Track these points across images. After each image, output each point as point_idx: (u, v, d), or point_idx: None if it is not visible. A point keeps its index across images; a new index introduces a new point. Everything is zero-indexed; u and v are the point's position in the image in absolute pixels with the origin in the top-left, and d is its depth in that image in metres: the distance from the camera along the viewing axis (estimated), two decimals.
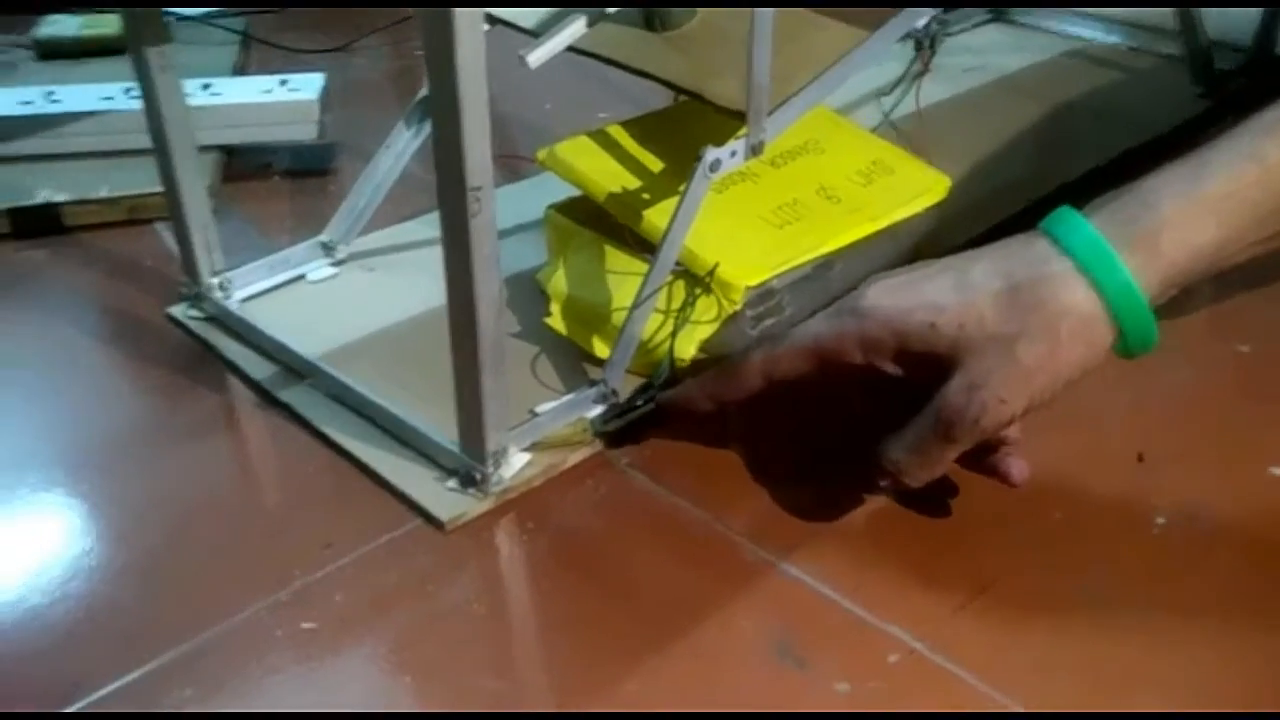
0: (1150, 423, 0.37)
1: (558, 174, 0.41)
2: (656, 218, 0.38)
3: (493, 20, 0.45)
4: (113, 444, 0.37)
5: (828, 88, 0.38)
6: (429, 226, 0.48)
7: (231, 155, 0.55)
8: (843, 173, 0.43)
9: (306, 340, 0.40)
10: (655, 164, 0.40)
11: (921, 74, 0.42)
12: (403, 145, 0.46)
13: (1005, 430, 0.33)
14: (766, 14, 0.34)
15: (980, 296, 0.33)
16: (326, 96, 0.55)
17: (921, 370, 0.33)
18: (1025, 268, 0.33)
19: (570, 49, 0.40)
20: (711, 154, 0.35)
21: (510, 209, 0.45)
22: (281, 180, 0.55)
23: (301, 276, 0.44)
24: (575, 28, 0.39)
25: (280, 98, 0.53)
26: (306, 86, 0.55)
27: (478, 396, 0.32)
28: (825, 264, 0.41)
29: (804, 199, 0.41)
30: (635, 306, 0.36)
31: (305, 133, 0.53)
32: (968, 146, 0.53)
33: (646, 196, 0.39)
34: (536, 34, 0.40)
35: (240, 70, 0.67)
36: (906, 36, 0.41)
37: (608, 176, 0.40)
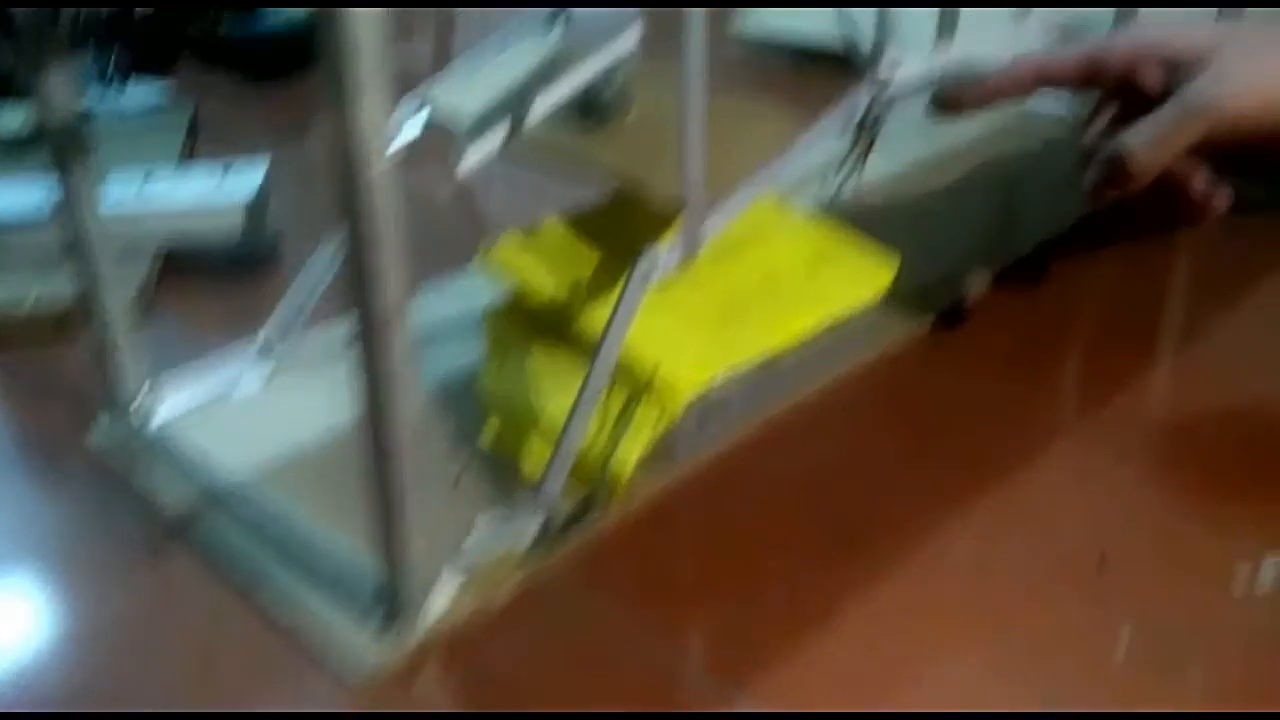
0: (1111, 523, 0.36)
1: (496, 274, 0.39)
2: (594, 320, 0.37)
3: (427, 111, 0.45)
4: None
5: (769, 181, 0.37)
6: None
7: (169, 251, 0.54)
8: (787, 264, 0.42)
9: (230, 461, 0.38)
10: (594, 261, 0.39)
11: (863, 157, 0.41)
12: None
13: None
14: (698, 105, 0.33)
15: (1244, 24, 0.42)
16: (269, 185, 0.54)
17: (1171, 83, 0.36)
18: None
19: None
20: (648, 257, 0.34)
21: (459, 302, 0.43)
22: (222, 276, 0.53)
23: (234, 385, 0.43)
24: (506, 131, 0.38)
25: (210, 195, 0.52)
26: (247, 176, 0.53)
27: (398, 528, 0.30)
28: (773, 359, 0.40)
29: (747, 294, 0.40)
30: (572, 415, 0.35)
31: (235, 230, 0.52)
32: (913, 225, 0.53)
33: (585, 296, 0.38)
34: (473, 135, 0.40)
35: (189, 155, 0.66)
36: (846, 127, 0.40)
37: (545, 275, 0.39)
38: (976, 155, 0.61)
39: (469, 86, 0.44)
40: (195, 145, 0.68)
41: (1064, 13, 0.47)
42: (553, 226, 0.41)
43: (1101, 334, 0.47)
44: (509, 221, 0.42)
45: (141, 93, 0.73)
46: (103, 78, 0.74)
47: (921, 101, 0.43)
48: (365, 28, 0.24)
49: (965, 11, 0.52)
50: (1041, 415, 0.41)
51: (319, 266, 0.44)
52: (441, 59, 0.89)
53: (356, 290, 0.27)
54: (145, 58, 0.77)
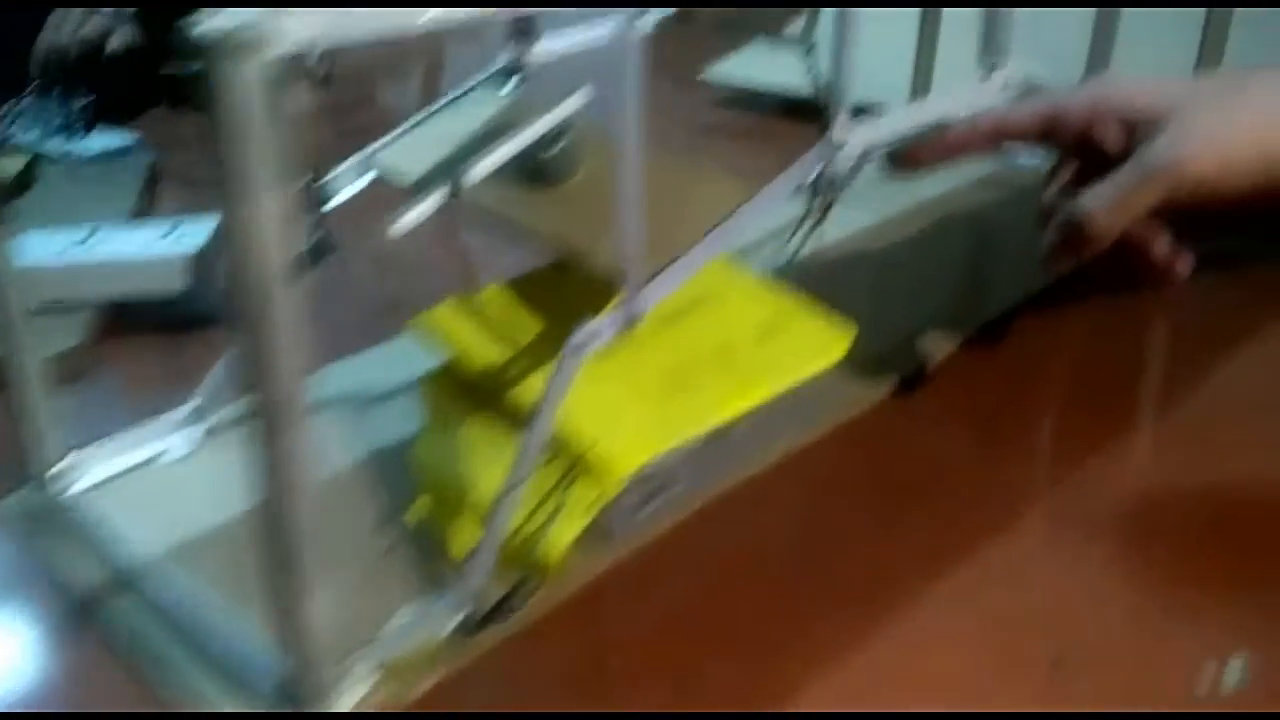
0: (1073, 608, 0.34)
1: (432, 342, 0.38)
2: (529, 393, 0.35)
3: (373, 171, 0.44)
4: None
5: (713, 249, 0.36)
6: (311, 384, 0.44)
7: (111, 308, 0.52)
8: (739, 330, 0.40)
9: (144, 536, 0.36)
10: (534, 330, 0.38)
11: (820, 219, 0.40)
12: None
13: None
14: (634, 170, 0.31)
15: (1209, 77, 0.38)
16: (219, 241, 0.53)
17: (1133, 141, 0.35)
18: (1263, 69, 0.37)
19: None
20: (582, 332, 0.33)
21: (410, 363, 0.41)
22: (169, 333, 0.52)
23: (161, 452, 0.41)
24: (444, 194, 0.37)
25: (152, 249, 0.50)
26: (194, 233, 0.52)
27: (299, 620, 0.28)
28: (723, 429, 0.38)
29: (695, 362, 0.39)
30: (502, 495, 0.33)
31: (173, 287, 0.50)
32: (875, 286, 0.51)
33: (521, 367, 0.36)
34: (418, 189, 0.39)
35: (145, 210, 0.64)
36: (800, 190, 0.38)
37: (482, 344, 0.37)
38: (946, 210, 0.59)
39: (414, 146, 0.42)
40: (155, 195, 0.67)
41: (1031, 68, 0.46)
42: (493, 292, 0.39)
43: (1068, 400, 0.46)
44: (478, 276, 0.40)
45: (104, 139, 0.72)
46: (65, 121, 0.73)
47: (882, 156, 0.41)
48: (258, 120, 0.22)
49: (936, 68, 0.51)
50: (1006, 487, 0.39)
51: None
52: (430, 98, 0.89)
53: (249, 376, 0.25)
54: (113, 101, 0.76)
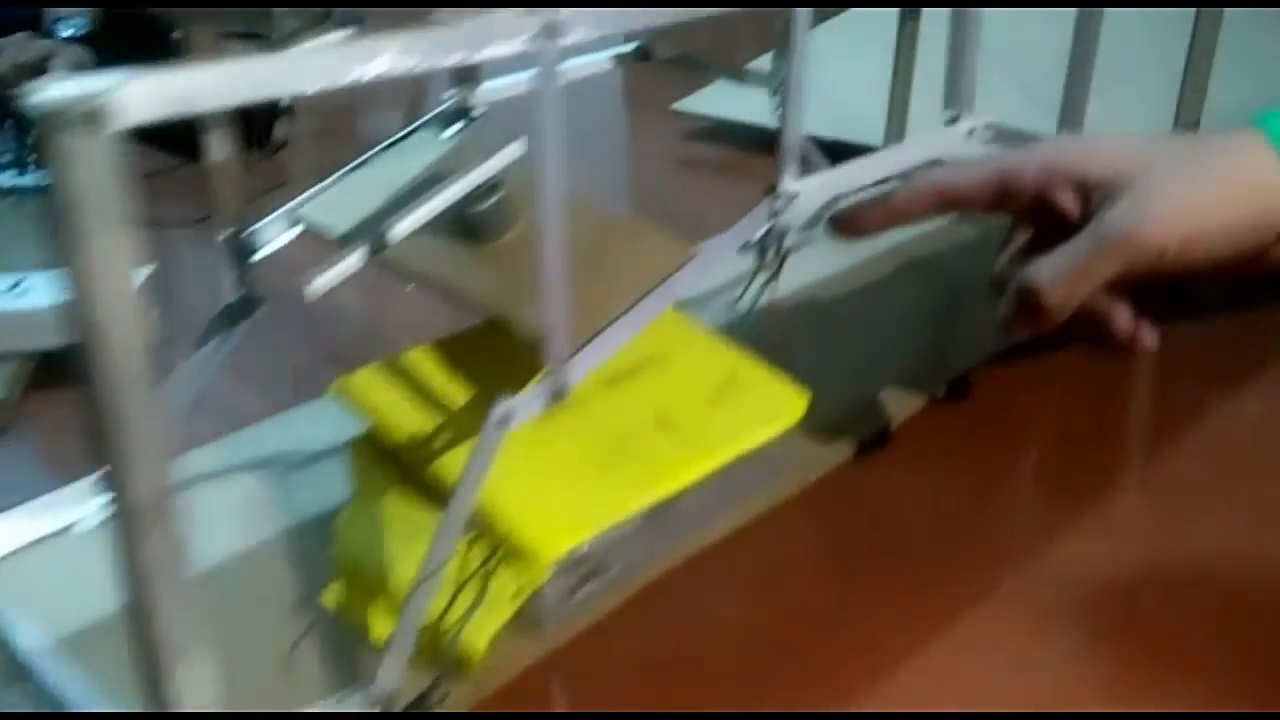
0: (1036, 705, 0.32)
1: (352, 410, 0.35)
2: (453, 466, 0.32)
3: (299, 223, 0.41)
4: None
5: (649, 315, 0.33)
6: (232, 452, 0.42)
7: (39, 359, 0.50)
8: (687, 393, 0.38)
9: (45, 620, 0.33)
10: (463, 395, 0.35)
11: (774, 274, 0.37)
12: (204, 358, 0.41)
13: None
14: (557, 229, 0.29)
15: (1175, 140, 0.37)
16: (149, 291, 0.50)
17: (1089, 207, 0.32)
18: (1225, 133, 0.35)
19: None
20: (503, 406, 0.30)
21: (339, 423, 0.38)
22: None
23: (72, 524, 0.38)
24: (366, 251, 0.34)
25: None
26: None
27: None
28: (667, 502, 0.35)
29: (637, 430, 0.36)
30: (418, 581, 0.30)
31: None
32: (835, 341, 0.48)
33: (446, 438, 0.34)
34: (344, 244, 0.36)
35: None
36: (747, 247, 0.36)
37: (405, 412, 0.35)
38: (909, 256, 0.54)
39: (344, 197, 0.40)
40: None
41: (1001, 113, 0.43)
42: (422, 354, 0.37)
43: (1043, 461, 0.43)
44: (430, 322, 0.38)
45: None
46: (15, 154, 0.71)
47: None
48: (97, 196, 0.20)
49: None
50: (976, 556, 0.37)
51: (174, 391, 0.40)
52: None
53: (104, 465, 0.23)
54: None
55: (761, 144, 0.70)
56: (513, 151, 0.36)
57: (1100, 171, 0.35)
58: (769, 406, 0.38)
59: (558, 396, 0.31)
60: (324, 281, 0.34)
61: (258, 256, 0.41)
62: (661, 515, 0.35)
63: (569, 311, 0.30)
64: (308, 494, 0.39)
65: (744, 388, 0.39)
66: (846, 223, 0.38)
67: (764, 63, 0.47)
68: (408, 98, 0.91)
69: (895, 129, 0.56)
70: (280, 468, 0.41)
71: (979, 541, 0.38)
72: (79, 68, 0.70)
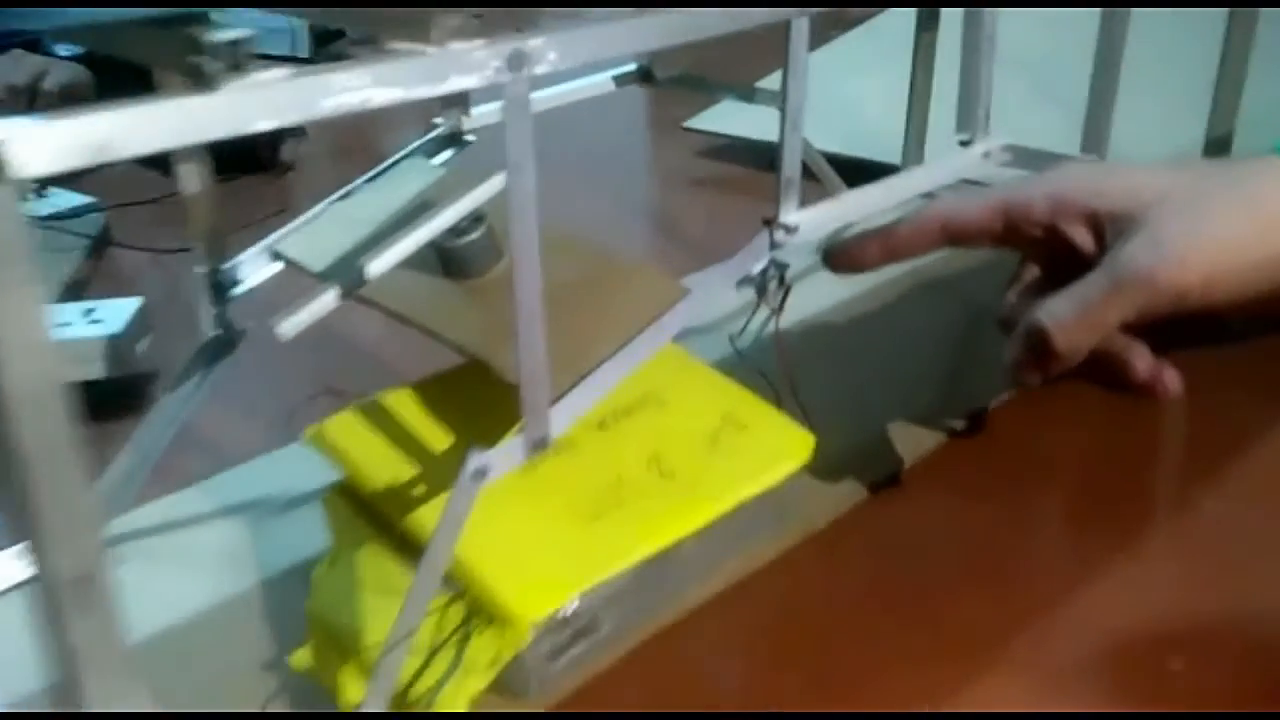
0: None
1: (328, 459, 0.33)
2: (427, 520, 0.31)
3: (279, 257, 0.40)
4: None
5: (638, 357, 0.31)
6: (213, 495, 0.40)
7: None
8: (685, 435, 0.36)
9: (11, 678, 0.32)
10: (442, 442, 0.33)
11: (774, 313, 0.35)
12: (181, 398, 0.39)
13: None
14: (531, 267, 0.27)
15: (1193, 169, 0.32)
16: (140, 324, 0.49)
17: (1103, 242, 0.30)
18: (1246, 162, 0.32)
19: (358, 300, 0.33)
20: (479, 458, 0.28)
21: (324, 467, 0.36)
22: (80, 424, 0.48)
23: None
24: (341, 289, 0.33)
25: (66, 335, 0.47)
26: (115, 315, 0.48)
27: None
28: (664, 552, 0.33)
29: (630, 476, 0.34)
30: (389, 645, 0.29)
31: (90, 373, 0.46)
32: (848, 372, 0.45)
33: (422, 489, 0.32)
34: (325, 277, 0.35)
35: (86, 279, 0.61)
36: (744, 282, 0.34)
37: (381, 461, 0.33)
38: (922, 279, 0.51)
39: (326, 229, 0.38)
40: (101, 261, 0.64)
41: (1020, 134, 0.41)
42: (402, 396, 0.35)
43: (1066, 507, 0.40)
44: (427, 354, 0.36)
45: (58, 199, 0.69)
46: None
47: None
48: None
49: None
50: (986, 619, 0.34)
51: (150, 431, 0.38)
52: None
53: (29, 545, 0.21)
54: None
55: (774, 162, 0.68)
56: (497, 183, 0.34)
57: (1114, 203, 0.32)
58: (773, 448, 0.36)
59: (538, 447, 0.29)
60: (297, 321, 0.32)
61: (237, 292, 0.39)
62: (657, 568, 0.33)
63: (547, 356, 0.28)
64: (291, 541, 0.37)
65: (746, 428, 0.37)
66: (842, 256, 0.36)
67: (775, 80, 0.45)
68: (427, 115, 0.90)
69: (914, 148, 0.54)
70: (264, 512, 0.40)
71: (996, 591, 0.35)
72: (72, 86, 0.69)
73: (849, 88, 0.73)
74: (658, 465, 0.35)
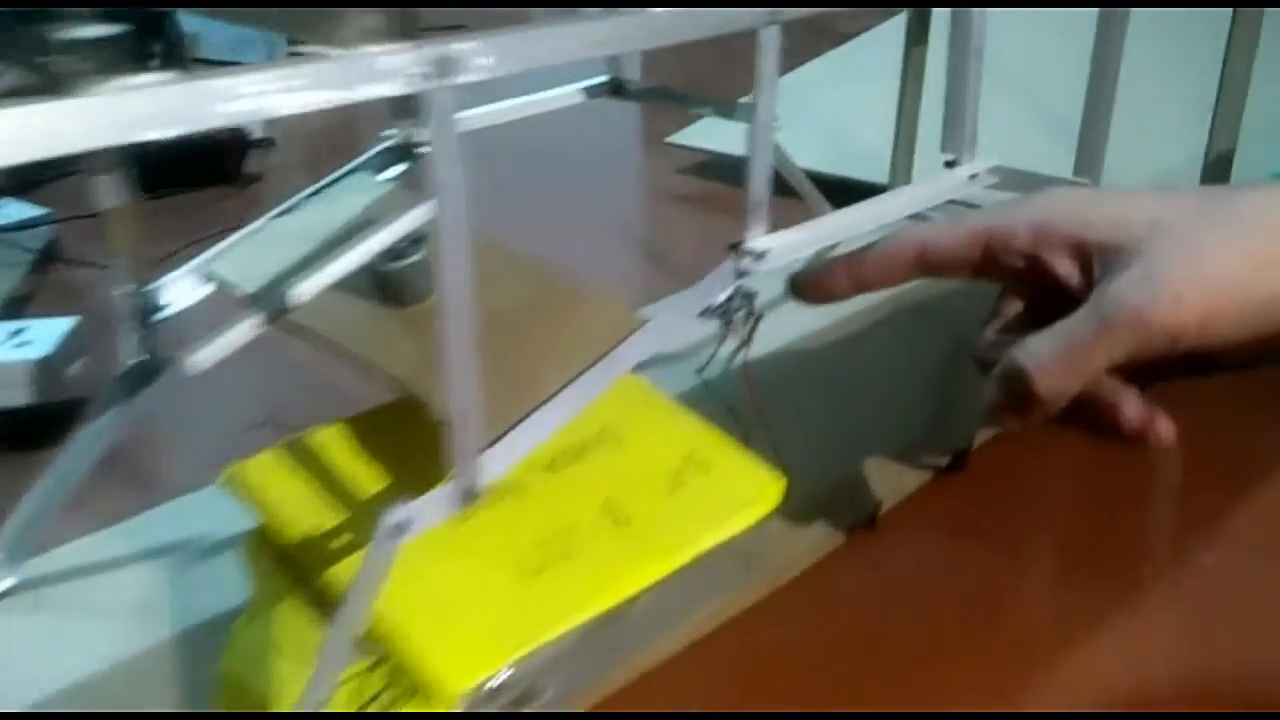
0: None
1: (243, 503, 0.31)
2: (345, 575, 0.28)
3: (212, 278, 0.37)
4: None
5: (587, 395, 0.28)
6: (135, 537, 0.37)
7: None
8: (642, 477, 0.33)
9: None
10: (369, 487, 0.30)
11: (742, 345, 0.32)
12: (100, 430, 0.36)
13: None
14: (458, 303, 0.24)
15: (1188, 197, 0.29)
16: (74, 346, 0.46)
17: (1091, 275, 0.29)
18: (1244, 190, 0.30)
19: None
20: (399, 511, 0.25)
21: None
22: (4, 451, 0.45)
23: None
24: (263, 318, 0.30)
25: None
26: (45, 337, 0.45)
27: None
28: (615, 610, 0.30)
29: (581, 524, 0.31)
30: (303, 712, 0.26)
31: (15, 399, 0.44)
32: (823, 406, 0.42)
33: (342, 541, 0.29)
34: (255, 301, 0.32)
35: (22, 298, 0.58)
36: (708, 312, 0.31)
37: (301, 507, 0.30)
38: (901, 305, 0.47)
39: (259, 252, 0.36)
40: (45, 276, 0.61)
41: (1007, 156, 0.38)
42: (328, 436, 0.32)
43: (1053, 555, 0.38)
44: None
45: (8, 210, 0.66)
46: None
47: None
48: None
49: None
50: (967, 681, 0.32)
51: (63, 465, 0.35)
52: None
53: None
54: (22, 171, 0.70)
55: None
56: (428, 209, 0.31)
57: (1103, 234, 0.29)
58: (740, 491, 0.33)
59: (468, 499, 0.26)
60: (213, 351, 0.29)
61: (164, 315, 0.37)
62: (608, 626, 0.30)
63: (482, 393, 0.25)
64: (213, 589, 0.34)
65: (710, 469, 0.34)
66: (808, 286, 0.33)
67: None
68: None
69: (902, 168, 0.51)
70: (190, 555, 0.36)
71: (982, 646, 0.33)
72: (21, 85, 0.66)
73: (839, 104, 0.71)
74: (611, 512, 0.32)
